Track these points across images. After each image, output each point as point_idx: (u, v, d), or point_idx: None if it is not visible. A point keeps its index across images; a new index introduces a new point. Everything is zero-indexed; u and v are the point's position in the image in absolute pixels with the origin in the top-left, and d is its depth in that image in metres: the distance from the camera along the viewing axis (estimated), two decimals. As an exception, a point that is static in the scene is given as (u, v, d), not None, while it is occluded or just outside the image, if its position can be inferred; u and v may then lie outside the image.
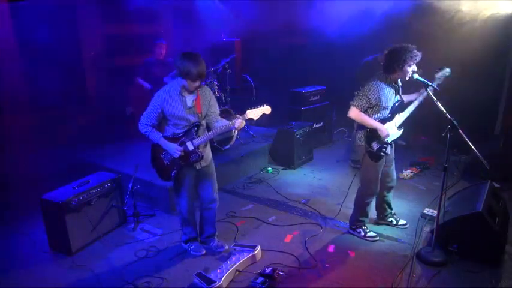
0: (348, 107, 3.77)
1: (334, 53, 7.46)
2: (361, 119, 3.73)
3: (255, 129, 6.93)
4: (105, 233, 4.21)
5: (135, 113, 6.81)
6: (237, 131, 5.70)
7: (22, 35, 5.61)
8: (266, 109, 3.44)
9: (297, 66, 8.39)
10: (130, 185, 4.48)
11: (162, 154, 3.51)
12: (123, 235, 4.27)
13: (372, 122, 3.71)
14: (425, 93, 3.73)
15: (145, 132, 3.46)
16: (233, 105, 6.27)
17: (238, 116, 3.39)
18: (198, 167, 3.58)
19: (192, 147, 3.44)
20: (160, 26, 7.60)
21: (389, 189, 4.17)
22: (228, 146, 5.81)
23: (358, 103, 3.70)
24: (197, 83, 3.26)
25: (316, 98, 6.97)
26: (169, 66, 6.10)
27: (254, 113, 3.40)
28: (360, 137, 3.85)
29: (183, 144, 3.43)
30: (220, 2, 7.63)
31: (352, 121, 3.87)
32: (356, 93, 3.78)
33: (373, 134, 3.76)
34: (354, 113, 3.72)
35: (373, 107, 3.72)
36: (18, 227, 4.42)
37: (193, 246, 3.86)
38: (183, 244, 3.93)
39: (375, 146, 3.76)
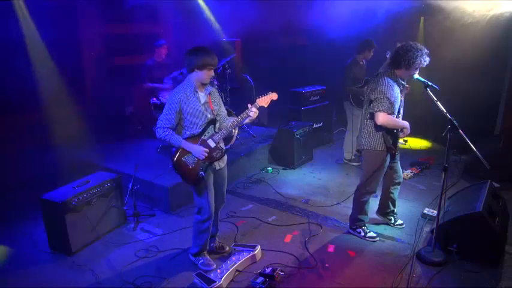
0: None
1: (335, 53, 7.43)
2: (392, 122, 3.61)
3: (255, 129, 6.92)
4: (105, 233, 4.21)
5: (135, 113, 6.82)
6: (236, 131, 5.71)
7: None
8: (274, 95, 3.47)
9: (297, 66, 8.38)
10: (130, 185, 4.48)
11: (184, 158, 3.36)
12: (123, 235, 4.27)
13: (400, 122, 3.67)
14: (406, 91, 3.80)
15: (165, 136, 3.29)
16: (233, 105, 6.26)
17: (250, 105, 3.40)
18: (217, 167, 3.53)
19: (214, 144, 3.42)
20: (160, 26, 7.60)
21: (397, 185, 4.12)
22: (228, 146, 5.80)
23: (383, 107, 3.54)
24: (212, 72, 3.38)
25: (316, 98, 6.97)
26: (168, 67, 6.07)
27: (264, 100, 3.42)
28: (370, 141, 3.75)
29: (204, 142, 3.38)
30: (220, 2, 7.62)
31: None
32: (373, 98, 3.63)
33: (396, 134, 3.71)
34: (384, 118, 3.55)
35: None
36: (18, 227, 4.41)
37: (202, 260, 3.62)
38: (190, 256, 3.69)
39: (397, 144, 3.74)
